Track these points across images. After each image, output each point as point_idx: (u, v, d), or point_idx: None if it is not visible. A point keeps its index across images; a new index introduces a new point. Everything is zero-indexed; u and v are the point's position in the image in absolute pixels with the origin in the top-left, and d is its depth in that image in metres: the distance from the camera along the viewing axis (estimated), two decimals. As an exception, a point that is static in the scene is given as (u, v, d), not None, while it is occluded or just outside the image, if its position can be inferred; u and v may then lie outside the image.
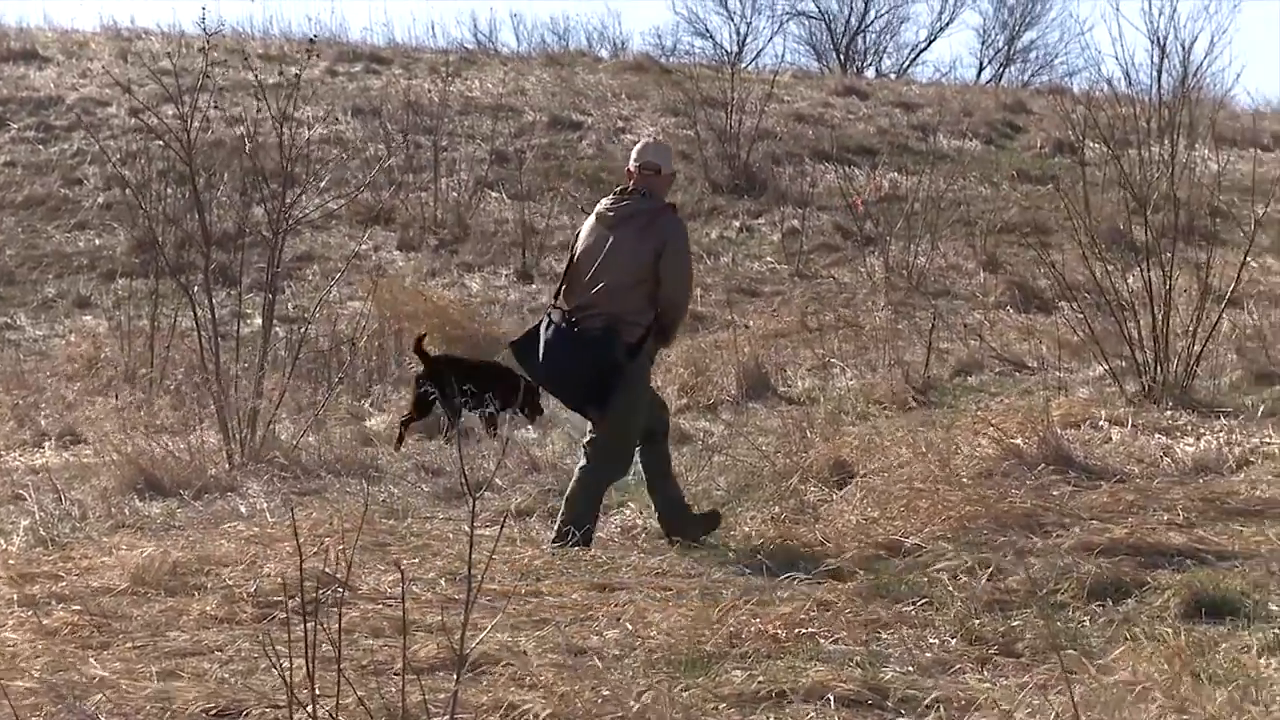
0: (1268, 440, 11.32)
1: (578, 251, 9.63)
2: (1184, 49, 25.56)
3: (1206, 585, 7.92)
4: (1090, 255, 13.88)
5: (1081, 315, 13.92)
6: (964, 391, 13.73)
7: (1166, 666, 6.72)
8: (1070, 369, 14.24)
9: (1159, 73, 25.45)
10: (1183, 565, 8.44)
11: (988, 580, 8.15)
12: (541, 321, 9.67)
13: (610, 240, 9.49)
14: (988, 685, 6.86)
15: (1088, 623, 7.68)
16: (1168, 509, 9.50)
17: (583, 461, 9.59)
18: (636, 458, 9.71)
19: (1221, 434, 11.55)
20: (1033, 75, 47.53)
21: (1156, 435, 11.66)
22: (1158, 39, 25.89)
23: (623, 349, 9.40)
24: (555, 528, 9.48)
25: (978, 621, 7.56)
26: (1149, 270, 13.20)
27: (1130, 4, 31.58)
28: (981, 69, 49.16)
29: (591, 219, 9.71)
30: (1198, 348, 12.95)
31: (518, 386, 11.36)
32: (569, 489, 9.57)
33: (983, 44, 50.19)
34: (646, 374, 9.71)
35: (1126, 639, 7.29)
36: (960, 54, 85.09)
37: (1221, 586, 7.94)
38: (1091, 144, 19.99)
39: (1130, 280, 13.60)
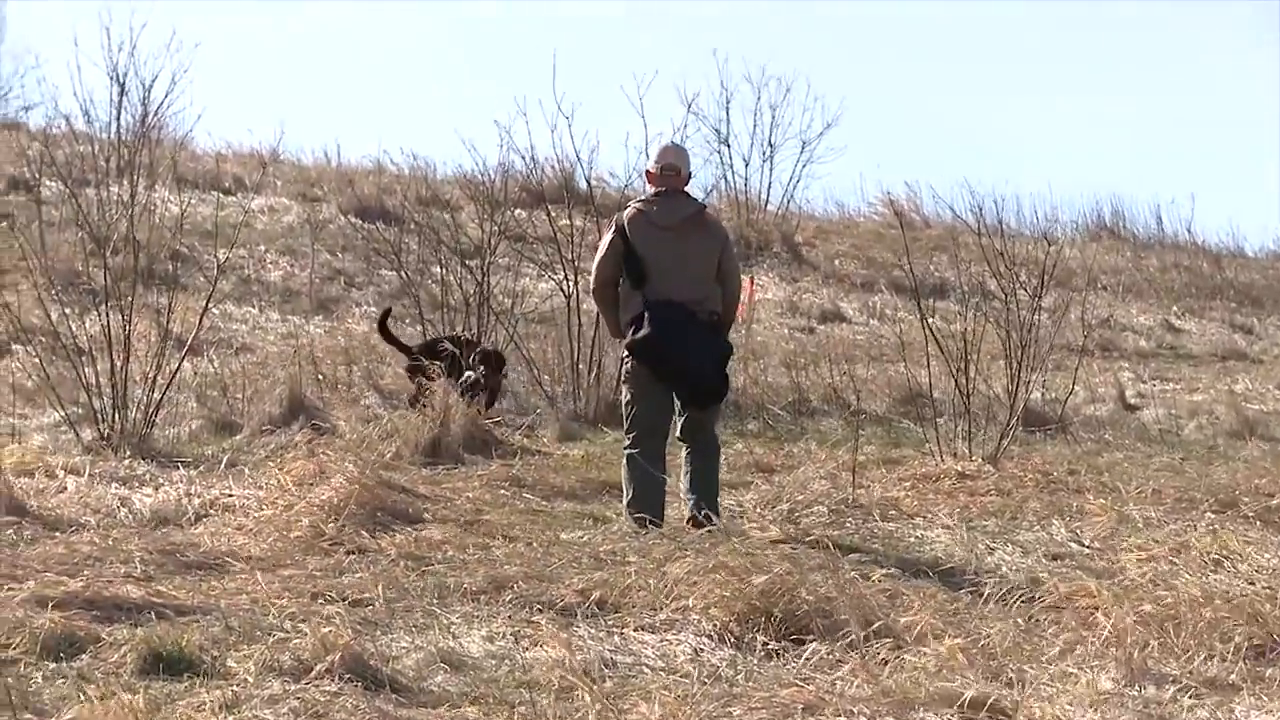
0: (227, 491, 11.30)
1: (646, 255, 10.39)
2: (145, 88, 25.62)
3: (164, 641, 7.68)
4: (47, 297, 13.60)
5: (37, 359, 13.54)
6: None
7: (122, 726, 6.51)
8: (25, 415, 13.80)
9: (119, 111, 25.46)
10: (141, 620, 8.16)
11: (-66, 639, 7.65)
12: (645, 316, 10.36)
13: (683, 243, 10.42)
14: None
15: (41, 680, 7.32)
16: (125, 561, 9.25)
17: (702, 454, 10.54)
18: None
19: (181, 484, 11.45)
20: (-13, 108, 46.13)
21: (114, 485, 11.42)
22: (118, 76, 25.91)
23: (726, 338, 10.71)
24: (689, 513, 10.37)
25: (-80, 682, 7.06)
26: (108, 314, 12.97)
27: (90, 40, 31.50)
28: (-73, 101, 47.29)
29: (639, 223, 10.45)
30: (158, 395, 12.81)
31: None
32: (706, 480, 10.51)
33: (-73, 74, 48.27)
34: None
35: (81, 697, 6.97)
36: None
37: (180, 642, 7.71)
38: (49, 182, 19.63)
39: (89, 324, 13.33)
